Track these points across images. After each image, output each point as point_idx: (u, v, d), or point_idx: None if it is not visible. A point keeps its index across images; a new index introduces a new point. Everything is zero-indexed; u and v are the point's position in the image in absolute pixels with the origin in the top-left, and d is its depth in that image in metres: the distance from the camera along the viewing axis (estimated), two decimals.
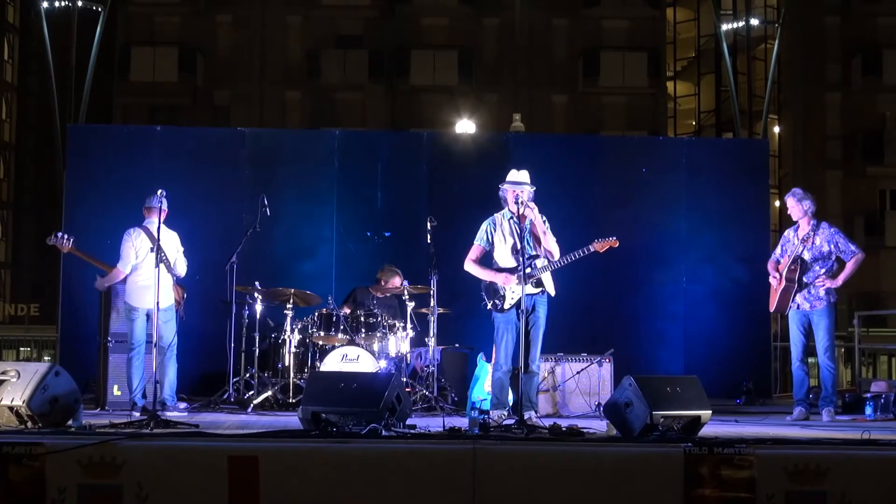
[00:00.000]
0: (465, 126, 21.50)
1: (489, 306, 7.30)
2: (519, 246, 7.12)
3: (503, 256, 7.31)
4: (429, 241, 8.47)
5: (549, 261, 7.24)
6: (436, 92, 28.61)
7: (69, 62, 16.86)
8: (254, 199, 9.23)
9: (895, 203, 29.33)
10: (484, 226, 7.43)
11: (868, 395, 8.46)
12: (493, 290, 7.28)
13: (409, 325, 8.89)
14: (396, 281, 9.33)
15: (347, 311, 9.08)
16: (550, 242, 7.26)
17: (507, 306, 7.19)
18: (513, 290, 7.17)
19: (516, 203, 7.18)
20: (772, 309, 8.49)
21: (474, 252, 7.41)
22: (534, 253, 7.23)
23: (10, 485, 5.07)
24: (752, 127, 22.79)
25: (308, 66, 29.11)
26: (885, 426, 7.25)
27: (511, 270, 7.21)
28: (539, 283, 7.21)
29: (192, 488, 5.14)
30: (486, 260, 7.38)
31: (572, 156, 11.16)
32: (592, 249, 7.28)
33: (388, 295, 9.36)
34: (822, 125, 29.46)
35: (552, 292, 7.25)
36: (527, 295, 6.96)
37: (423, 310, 8.91)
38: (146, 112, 28.98)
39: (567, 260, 7.26)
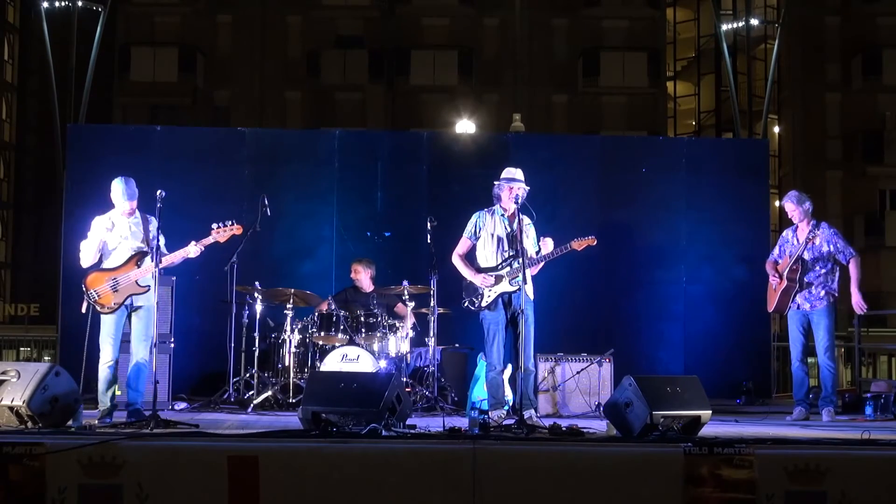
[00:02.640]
0: (465, 126, 21.52)
1: (465, 304, 7.37)
2: (506, 244, 7.21)
3: (486, 255, 7.33)
4: (429, 241, 8.46)
5: (528, 258, 7.17)
6: (436, 92, 28.61)
7: (69, 62, 16.83)
8: (254, 199, 9.23)
9: (895, 203, 29.33)
10: (473, 218, 7.45)
11: (868, 395, 8.46)
12: (473, 289, 7.33)
13: (408, 325, 8.90)
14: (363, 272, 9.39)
15: (326, 307, 9.07)
16: (531, 248, 7.29)
17: (483, 304, 7.24)
18: (490, 290, 7.23)
19: (513, 200, 7.18)
20: (770, 309, 8.49)
21: (462, 246, 7.45)
22: (514, 253, 7.22)
23: (10, 485, 5.07)
24: (752, 127, 22.75)
25: (308, 66, 29.10)
26: (885, 426, 7.26)
27: (491, 270, 7.26)
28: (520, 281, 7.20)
29: (192, 488, 5.15)
30: (471, 254, 7.42)
31: (572, 156, 11.15)
32: (571, 248, 7.28)
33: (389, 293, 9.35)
34: (822, 125, 29.47)
35: (531, 296, 7.21)
36: (510, 293, 7.10)
37: (423, 310, 8.91)
38: (146, 112, 28.97)
39: (546, 258, 7.26)
